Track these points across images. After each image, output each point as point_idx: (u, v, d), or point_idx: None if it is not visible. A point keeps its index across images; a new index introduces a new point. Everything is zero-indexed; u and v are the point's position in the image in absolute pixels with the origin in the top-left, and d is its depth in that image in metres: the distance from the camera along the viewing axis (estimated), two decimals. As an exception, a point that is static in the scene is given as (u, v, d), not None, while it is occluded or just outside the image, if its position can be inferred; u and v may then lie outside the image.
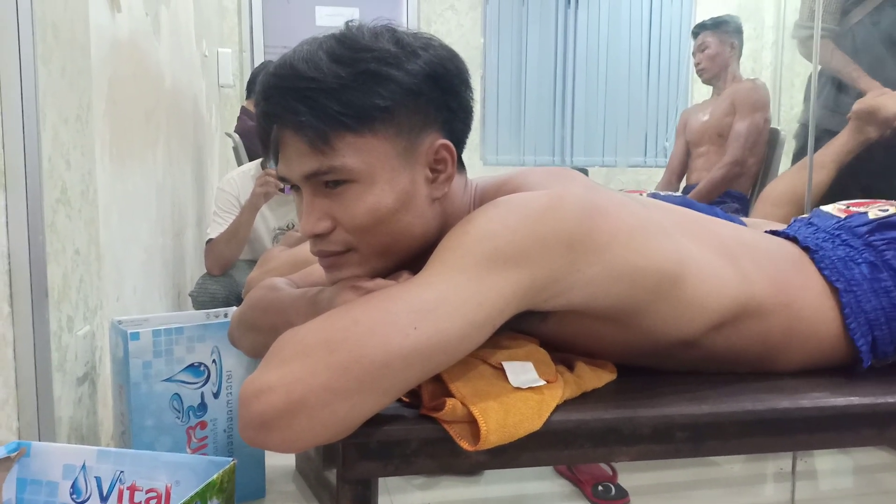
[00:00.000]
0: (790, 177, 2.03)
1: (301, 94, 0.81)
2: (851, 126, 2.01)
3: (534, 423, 0.79)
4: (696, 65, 2.99)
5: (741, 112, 2.88)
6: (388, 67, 0.81)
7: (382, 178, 0.83)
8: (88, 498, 1.07)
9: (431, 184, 0.87)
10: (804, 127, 2.44)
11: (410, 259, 0.88)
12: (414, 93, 0.83)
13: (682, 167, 3.19)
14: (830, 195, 1.85)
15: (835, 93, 2.31)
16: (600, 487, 1.86)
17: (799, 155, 2.50)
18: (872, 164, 2.19)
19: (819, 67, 2.20)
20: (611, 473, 1.92)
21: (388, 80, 0.81)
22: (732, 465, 2.12)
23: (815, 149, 2.02)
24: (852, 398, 0.90)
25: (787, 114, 4.37)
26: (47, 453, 1.10)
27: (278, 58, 0.86)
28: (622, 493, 1.86)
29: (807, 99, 2.39)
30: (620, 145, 5.27)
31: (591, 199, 0.84)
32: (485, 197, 0.91)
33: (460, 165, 0.92)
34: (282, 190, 2.42)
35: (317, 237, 0.87)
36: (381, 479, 0.82)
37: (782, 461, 2.09)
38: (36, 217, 1.29)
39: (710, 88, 3.09)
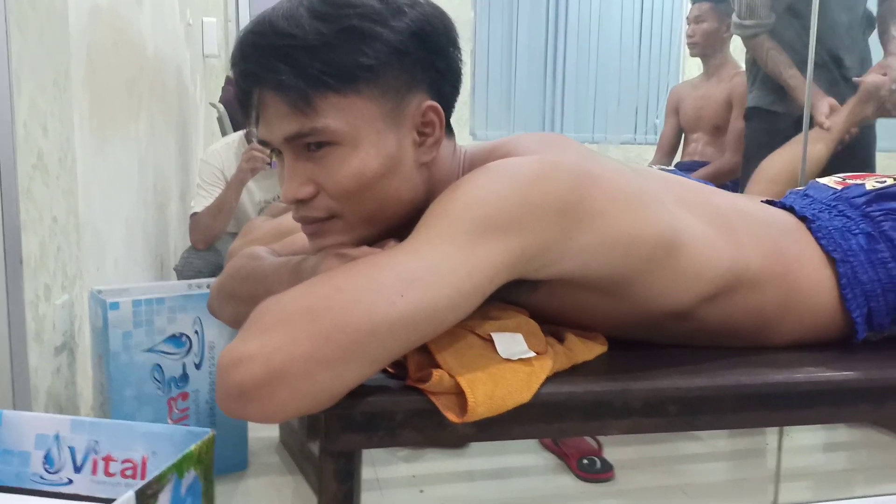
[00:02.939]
0: (787, 154, 2.01)
1: (281, 53, 0.77)
2: (854, 102, 1.98)
3: (523, 395, 0.76)
4: (689, 36, 2.92)
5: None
6: (372, 24, 0.78)
7: (367, 140, 0.80)
8: (62, 468, 1.04)
9: (419, 147, 0.84)
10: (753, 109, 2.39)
11: (397, 226, 0.85)
12: (400, 52, 0.79)
13: (673, 148, 3.14)
14: (827, 173, 1.84)
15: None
16: (585, 461, 1.85)
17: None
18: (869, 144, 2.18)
19: (813, 50, 2.14)
20: (596, 447, 1.91)
21: (372, 37, 0.78)
22: (717, 440, 2.12)
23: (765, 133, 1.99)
24: (848, 373, 0.88)
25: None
26: (19, 422, 1.06)
27: (256, 15, 0.82)
28: (607, 467, 1.85)
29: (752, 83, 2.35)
30: (611, 122, 5.23)
31: (584, 166, 0.82)
32: (474, 162, 0.88)
33: (449, 130, 0.88)
34: (268, 164, 2.39)
35: (299, 203, 0.83)
36: (365, 452, 0.79)
37: (768, 436, 2.09)
38: (10, 183, 1.25)
39: (700, 62, 3.03)
